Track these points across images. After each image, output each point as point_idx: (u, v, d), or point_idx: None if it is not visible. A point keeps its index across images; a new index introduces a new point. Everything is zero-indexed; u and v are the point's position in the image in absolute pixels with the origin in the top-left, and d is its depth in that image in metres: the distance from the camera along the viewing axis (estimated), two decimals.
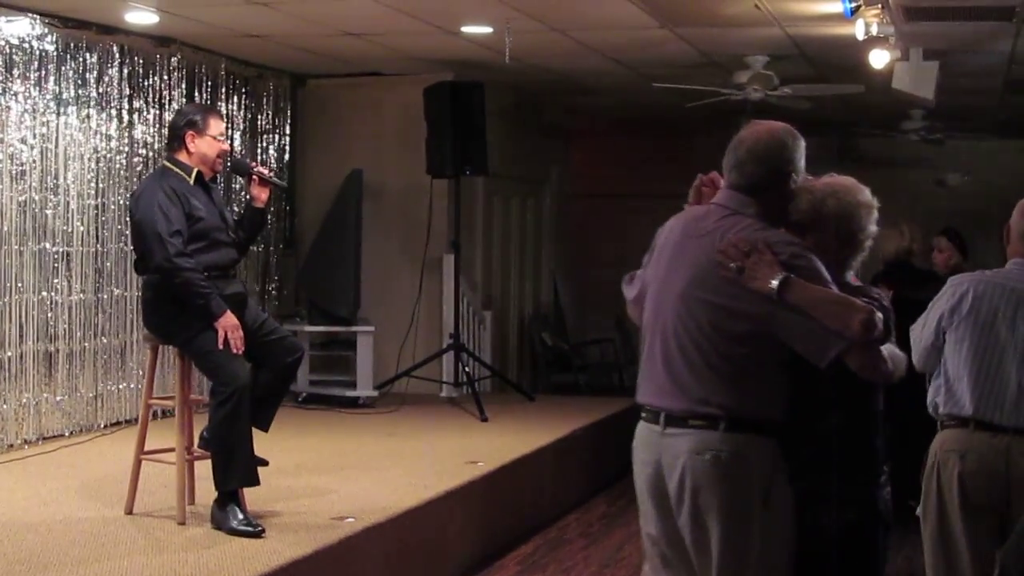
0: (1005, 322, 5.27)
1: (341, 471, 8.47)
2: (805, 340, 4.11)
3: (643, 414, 4.39)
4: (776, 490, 4.15)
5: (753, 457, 4.14)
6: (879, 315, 4.06)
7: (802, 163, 4.35)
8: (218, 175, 7.15)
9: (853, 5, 8.24)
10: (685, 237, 4.37)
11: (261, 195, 7.04)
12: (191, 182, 6.73)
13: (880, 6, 8.30)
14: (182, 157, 6.78)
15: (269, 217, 10.11)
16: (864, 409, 4.28)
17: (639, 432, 4.41)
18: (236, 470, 6.58)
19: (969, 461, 5.28)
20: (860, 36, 8.77)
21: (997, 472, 5.22)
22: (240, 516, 6.55)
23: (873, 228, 4.37)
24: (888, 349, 4.21)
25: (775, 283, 4.06)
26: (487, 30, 10.12)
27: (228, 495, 6.60)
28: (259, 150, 12.10)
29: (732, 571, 4.20)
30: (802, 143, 4.36)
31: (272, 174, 7.22)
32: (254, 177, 7.05)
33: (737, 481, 4.15)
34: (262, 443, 6.85)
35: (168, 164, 6.84)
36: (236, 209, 8.10)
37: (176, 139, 6.82)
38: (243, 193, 10.39)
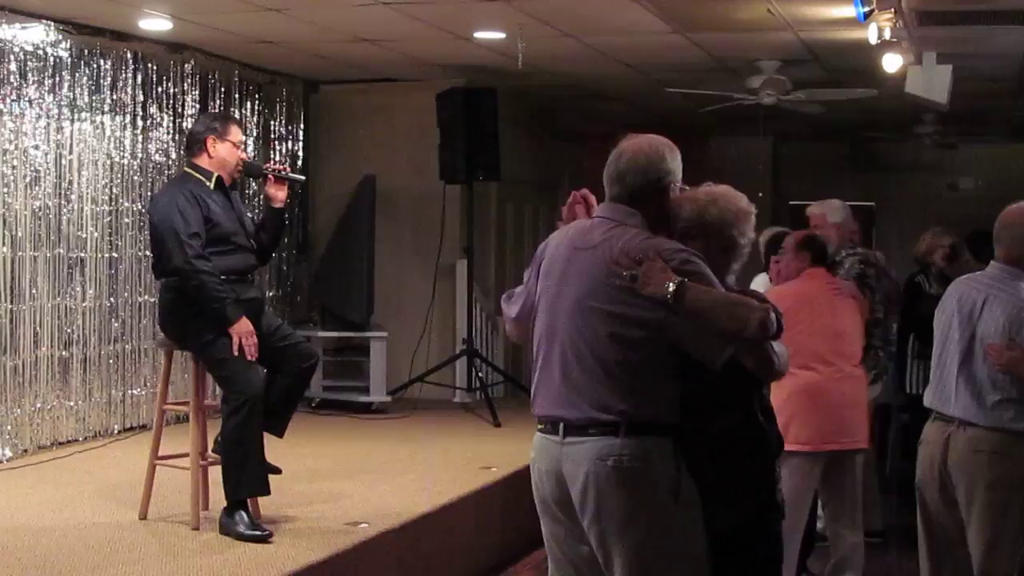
0: (955, 320, 5.60)
1: (354, 477, 8.47)
2: (699, 343, 4.20)
3: (540, 425, 4.47)
4: (687, 487, 4.23)
5: (655, 458, 4.21)
6: (773, 314, 4.18)
7: (679, 173, 4.46)
8: (236, 181, 7.16)
9: (866, 9, 8.23)
10: (573, 250, 4.45)
11: (278, 194, 7.03)
12: (211, 186, 6.75)
13: (893, 10, 8.29)
14: (202, 162, 6.80)
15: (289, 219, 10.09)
16: (755, 406, 4.35)
17: (537, 443, 4.48)
18: (247, 479, 6.58)
19: (922, 448, 5.75)
20: (873, 40, 8.76)
21: (936, 458, 5.63)
22: (247, 521, 6.56)
23: (752, 234, 4.45)
24: (777, 346, 4.29)
25: (671, 288, 4.13)
26: (500, 36, 10.13)
27: (237, 502, 6.62)
28: (272, 156, 12.09)
29: (652, 572, 4.25)
30: (679, 154, 4.46)
31: (287, 170, 7.20)
32: (270, 176, 7.06)
33: (641, 483, 4.21)
34: (276, 449, 6.86)
35: (188, 169, 6.87)
36: (256, 210, 8.07)
37: (197, 143, 6.84)
38: (259, 199, 10.43)
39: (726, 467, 4.28)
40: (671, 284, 4.13)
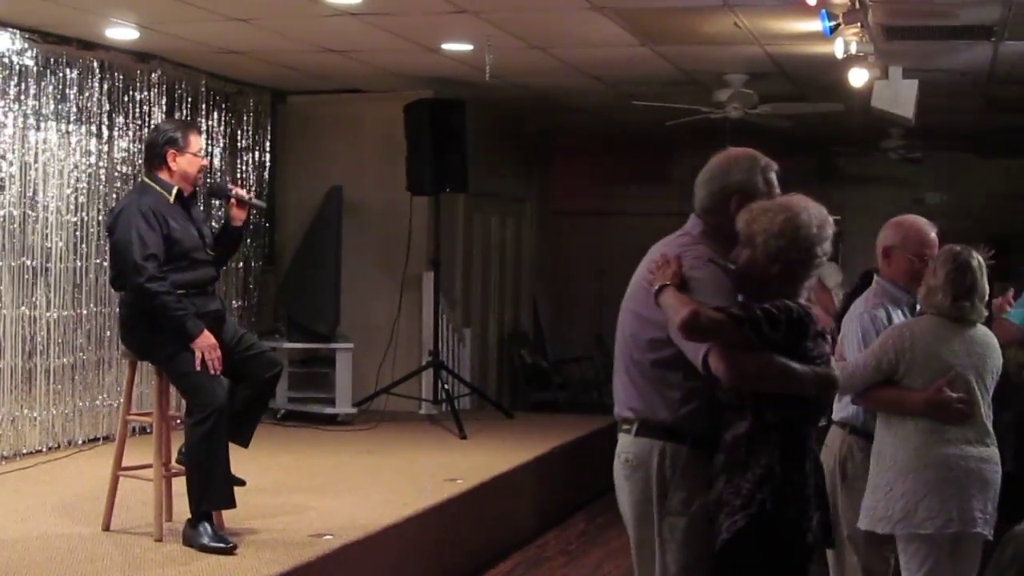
0: None
1: (319, 488, 8.44)
2: (684, 345, 4.25)
3: None
4: (679, 495, 4.34)
5: (655, 461, 4.36)
6: (707, 316, 4.12)
7: (754, 184, 4.49)
8: (198, 191, 7.12)
9: (832, 24, 8.26)
10: (645, 257, 4.59)
11: (239, 215, 7.02)
12: (171, 200, 6.71)
13: (859, 25, 8.33)
14: (163, 175, 6.75)
15: (248, 233, 10.04)
16: (767, 418, 4.29)
17: None
18: (212, 492, 6.55)
19: None
20: (839, 55, 8.80)
21: None
22: (211, 533, 6.53)
23: (819, 247, 4.37)
24: (764, 357, 4.22)
25: (655, 289, 4.28)
26: (467, 47, 10.14)
27: (201, 514, 6.58)
28: (239, 166, 12.07)
29: (643, 569, 4.48)
30: (759, 166, 4.53)
31: (251, 196, 7.14)
32: (232, 200, 7.02)
33: (637, 483, 4.41)
34: (241, 460, 6.83)
35: (148, 181, 6.80)
36: (214, 226, 8.01)
37: (157, 157, 6.77)
38: (221, 210, 10.38)
39: (731, 476, 4.29)
40: (658, 285, 4.27)
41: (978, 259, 5.53)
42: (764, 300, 4.27)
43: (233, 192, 7.05)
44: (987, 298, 5.58)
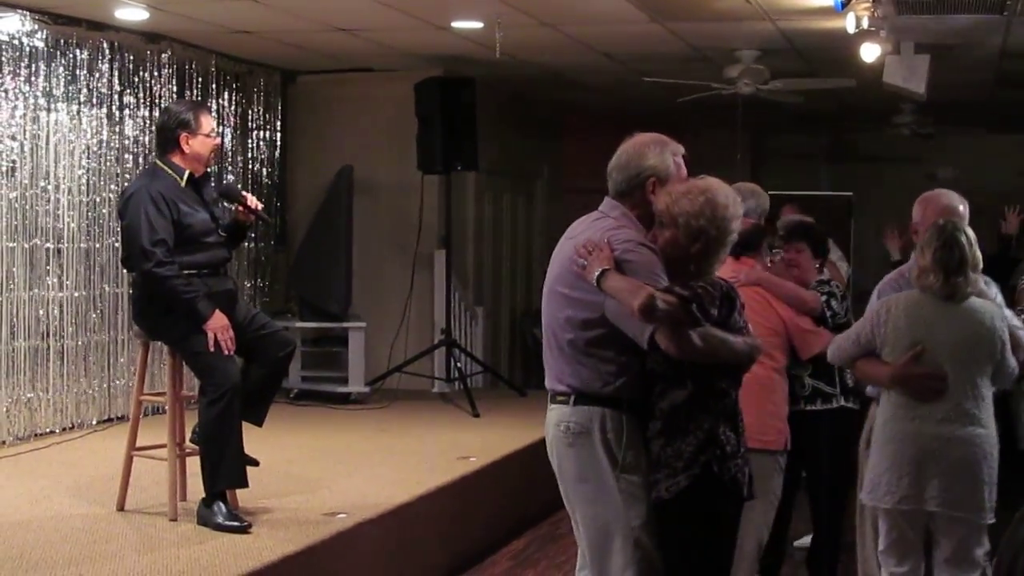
0: None
1: (333, 467, 8.45)
2: (626, 325, 4.51)
3: None
4: (631, 456, 4.62)
5: (597, 427, 4.63)
6: (663, 299, 4.34)
7: (667, 168, 4.75)
8: (210, 172, 7.10)
9: None
10: (563, 239, 4.86)
11: (247, 219, 7.01)
12: (182, 184, 6.69)
13: None
14: (175, 158, 6.73)
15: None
16: (705, 387, 4.56)
17: None
18: (225, 471, 6.56)
19: None
20: (851, 30, 8.78)
21: None
22: (226, 512, 6.53)
23: (732, 226, 4.61)
24: (705, 332, 4.45)
25: (596, 274, 4.49)
26: (478, 25, 10.11)
27: (215, 493, 6.60)
28: (249, 147, 12.07)
29: (596, 529, 4.71)
30: (669, 149, 4.80)
31: (258, 208, 7.06)
32: (239, 207, 6.98)
33: (583, 447, 4.67)
34: (255, 439, 6.84)
35: (160, 164, 6.78)
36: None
37: (169, 141, 6.74)
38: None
39: (670, 440, 4.55)
40: (598, 270, 4.48)
41: (965, 232, 5.47)
42: (684, 278, 4.53)
43: (245, 199, 6.99)
44: (980, 267, 5.51)
